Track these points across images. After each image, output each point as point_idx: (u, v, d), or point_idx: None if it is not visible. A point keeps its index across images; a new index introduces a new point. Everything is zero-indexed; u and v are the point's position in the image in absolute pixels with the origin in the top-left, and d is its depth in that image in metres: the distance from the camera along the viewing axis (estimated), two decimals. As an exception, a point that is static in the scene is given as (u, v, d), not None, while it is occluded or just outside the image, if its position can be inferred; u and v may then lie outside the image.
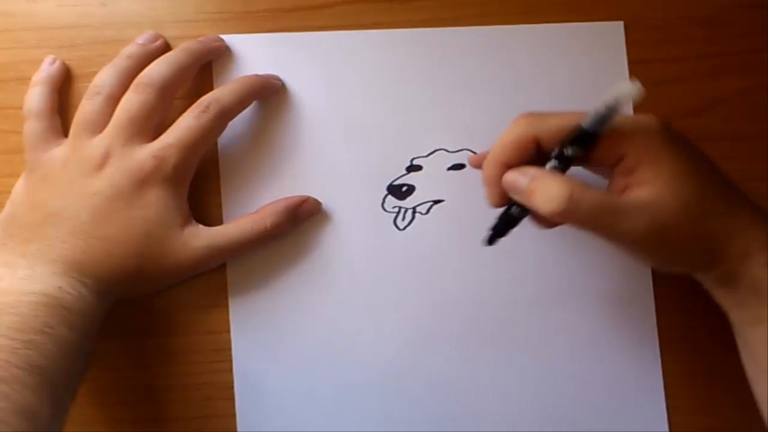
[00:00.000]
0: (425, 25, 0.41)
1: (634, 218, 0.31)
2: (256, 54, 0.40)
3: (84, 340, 0.33)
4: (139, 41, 0.39)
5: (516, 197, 0.33)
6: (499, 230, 0.35)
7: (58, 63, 0.39)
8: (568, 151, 0.32)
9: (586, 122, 0.31)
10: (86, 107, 0.37)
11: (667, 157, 0.31)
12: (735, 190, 0.33)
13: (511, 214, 0.34)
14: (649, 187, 0.31)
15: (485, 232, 0.35)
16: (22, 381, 0.29)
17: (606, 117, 0.31)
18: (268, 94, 0.40)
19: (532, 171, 0.32)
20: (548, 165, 0.32)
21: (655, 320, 0.40)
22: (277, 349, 0.39)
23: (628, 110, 0.40)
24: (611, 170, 0.33)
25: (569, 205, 0.30)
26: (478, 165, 0.37)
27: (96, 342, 0.35)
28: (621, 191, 0.32)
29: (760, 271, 0.31)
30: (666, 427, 0.39)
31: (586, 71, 0.41)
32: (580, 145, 0.32)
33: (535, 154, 0.33)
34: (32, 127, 0.37)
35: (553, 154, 0.32)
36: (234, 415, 0.39)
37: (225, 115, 0.37)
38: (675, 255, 0.32)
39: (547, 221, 0.34)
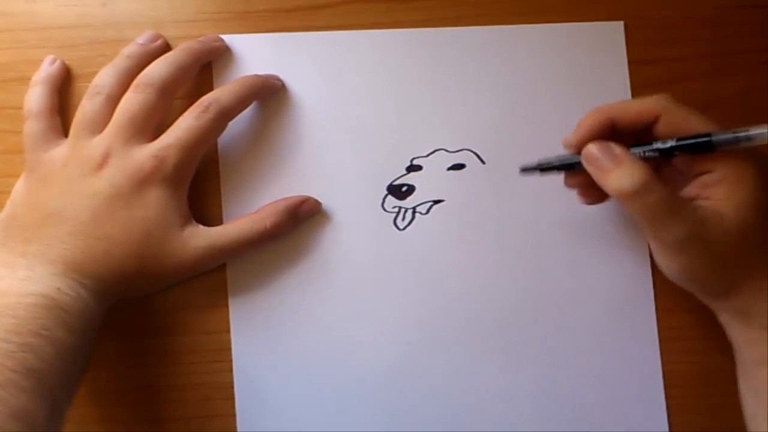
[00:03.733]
0: (425, 25, 0.41)
1: (685, 223, 0.32)
2: (256, 54, 0.40)
3: (82, 342, 0.33)
4: (139, 41, 0.39)
5: (589, 168, 0.34)
6: (548, 169, 0.37)
7: (58, 63, 0.39)
8: (678, 149, 0.33)
9: (717, 138, 0.32)
10: (86, 107, 0.37)
11: (750, 185, 0.32)
12: None
13: (569, 165, 0.36)
14: (716, 205, 0.33)
15: (532, 162, 0.37)
16: (18, 385, 0.28)
17: (737, 143, 0.32)
18: (268, 94, 0.40)
19: (617, 150, 0.33)
20: (646, 148, 0.34)
21: (655, 320, 0.40)
22: (277, 349, 0.39)
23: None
24: (692, 178, 0.34)
25: (641, 190, 0.32)
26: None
27: (95, 344, 0.35)
28: (690, 199, 0.34)
29: None
30: (666, 427, 0.39)
31: (586, 71, 0.41)
32: (694, 152, 0.33)
33: (645, 130, 0.34)
34: (32, 127, 0.37)
35: (662, 144, 0.34)
36: (234, 415, 0.39)
37: (225, 115, 0.37)
38: (700, 272, 0.34)
39: (596, 196, 0.36)
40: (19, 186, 0.37)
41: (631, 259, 0.40)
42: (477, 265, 0.40)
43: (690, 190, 0.34)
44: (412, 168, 0.40)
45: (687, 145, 0.33)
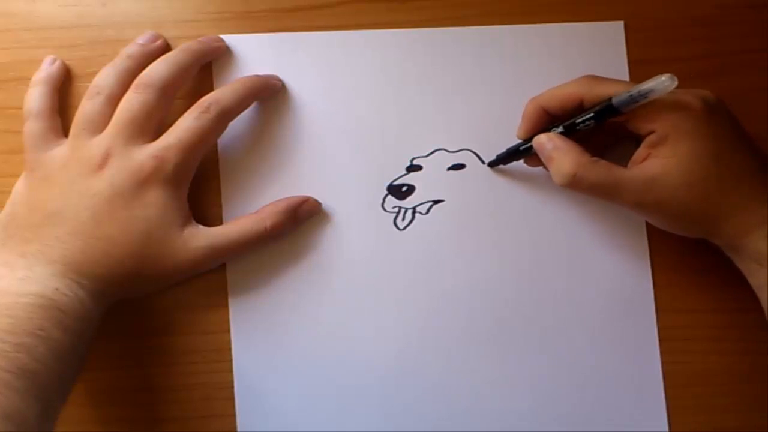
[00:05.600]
0: (425, 25, 0.41)
1: (631, 192, 0.35)
2: (256, 54, 0.40)
3: (78, 342, 0.33)
4: (139, 41, 0.39)
5: (540, 156, 0.37)
6: (504, 159, 0.40)
7: (58, 63, 0.39)
8: (586, 121, 0.36)
9: (616, 99, 0.34)
10: (86, 107, 0.37)
11: (690, 138, 0.34)
12: (749, 170, 0.35)
13: (519, 152, 0.39)
14: (661, 163, 0.34)
15: (494, 157, 0.40)
16: (10, 385, 0.28)
17: (635, 101, 0.34)
18: (268, 95, 0.40)
19: (557, 141, 0.36)
20: (560, 128, 0.37)
21: (655, 320, 0.40)
22: (277, 349, 0.39)
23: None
24: (642, 139, 0.36)
25: (573, 181, 0.35)
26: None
27: (91, 345, 0.35)
28: (641, 160, 0.35)
29: (758, 243, 0.34)
30: (666, 427, 0.39)
31: (586, 71, 0.40)
32: (599, 117, 0.35)
33: (577, 110, 0.36)
34: (32, 127, 0.37)
35: (580, 118, 0.36)
36: (234, 415, 0.39)
37: (225, 115, 0.37)
38: (673, 225, 0.37)
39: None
40: (19, 186, 0.37)
41: (631, 259, 0.40)
42: (477, 264, 0.40)
43: (641, 150, 0.36)
44: (412, 168, 0.40)
45: (595, 114, 0.35)
